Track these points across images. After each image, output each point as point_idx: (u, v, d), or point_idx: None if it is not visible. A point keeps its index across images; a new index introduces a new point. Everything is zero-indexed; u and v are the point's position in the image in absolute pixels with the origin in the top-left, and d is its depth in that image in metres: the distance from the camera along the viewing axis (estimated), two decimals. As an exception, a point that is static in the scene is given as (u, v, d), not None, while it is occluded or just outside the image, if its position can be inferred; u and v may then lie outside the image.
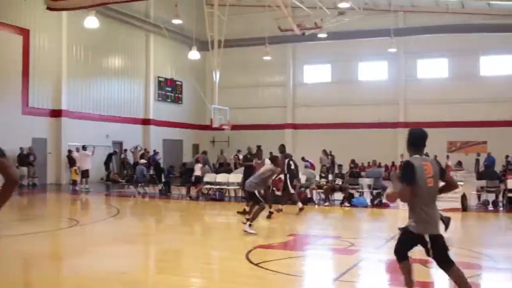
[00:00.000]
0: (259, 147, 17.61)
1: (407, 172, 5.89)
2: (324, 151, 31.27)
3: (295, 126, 40.72)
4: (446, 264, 5.91)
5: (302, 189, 19.39)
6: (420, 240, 5.93)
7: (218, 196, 20.40)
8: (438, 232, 5.98)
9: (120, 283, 7.85)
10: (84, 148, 26.41)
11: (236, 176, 20.89)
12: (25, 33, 27.85)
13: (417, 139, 6.15)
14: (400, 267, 6.23)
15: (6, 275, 8.18)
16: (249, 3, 37.89)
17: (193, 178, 20.98)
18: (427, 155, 7.82)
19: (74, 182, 25.79)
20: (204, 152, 24.77)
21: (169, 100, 38.82)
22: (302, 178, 19.79)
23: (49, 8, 24.08)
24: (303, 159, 25.89)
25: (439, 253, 5.92)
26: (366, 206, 18.10)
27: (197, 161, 22.04)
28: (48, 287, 7.61)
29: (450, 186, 6.36)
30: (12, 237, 11.59)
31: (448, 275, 5.94)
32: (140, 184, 23.45)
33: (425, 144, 6.17)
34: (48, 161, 29.26)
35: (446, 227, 10.58)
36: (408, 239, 6.10)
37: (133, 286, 7.76)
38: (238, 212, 15.24)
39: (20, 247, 10.67)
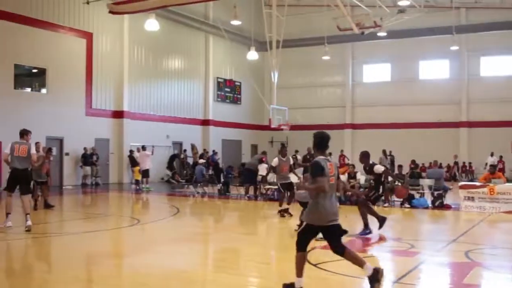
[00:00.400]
0: (283, 145, 17.58)
1: (318, 169, 6.70)
2: (384, 152, 30.84)
3: (354, 126, 40.33)
4: (338, 249, 6.95)
5: (361, 190, 19.17)
6: (319, 229, 6.84)
7: (277, 196, 20.37)
8: (336, 222, 6.87)
9: (179, 281, 7.95)
10: (144, 148, 26.90)
11: (294, 176, 20.82)
12: (88, 36, 28.65)
13: (322, 142, 7.07)
14: (296, 257, 6.96)
15: (70, 272, 8.41)
16: (308, 3, 37.76)
17: (259, 177, 21.06)
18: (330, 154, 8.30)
19: (137, 182, 26.31)
20: (263, 153, 24.81)
21: (228, 100, 39.11)
22: (361, 179, 19.58)
23: (111, 12, 24.69)
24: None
25: (333, 240, 6.91)
26: (427, 208, 17.76)
27: (261, 162, 22.09)
28: (109, 284, 7.77)
29: (339, 186, 7.31)
30: (76, 235, 11.93)
31: (344, 258, 6.93)
32: (199, 184, 23.70)
33: (328, 146, 7.12)
34: (110, 161, 29.98)
35: (380, 226, 11.96)
36: (308, 231, 6.94)
37: (191, 284, 7.84)
38: (279, 212, 15.14)
39: (83, 244, 10.96)
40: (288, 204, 15.30)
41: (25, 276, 8.10)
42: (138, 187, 25.74)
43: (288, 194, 15.40)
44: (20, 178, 12.45)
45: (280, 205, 15.30)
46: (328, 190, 6.75)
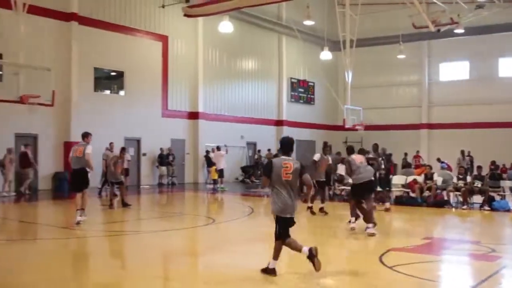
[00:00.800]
0: (325, 143, 17.42)
1: (266, 168, 8.07)
2: (462, 152, 29.97)
3: (430, 126, 39.30)
4: (283, 237, 7.97)
5: (439, 191, 18.73)
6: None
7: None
8: (292, 216, 7.99)
9: (253, 281, 7.99)
10: (218, 148, 27.24)
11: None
12: (164, 39, 29.29)
13: (285, 145, 8.16)
14: (276, 244, 8.07)
15: (147, 269, 8.61)
16: (382, 1, 37.18)
17: (337, 176, 20.94)
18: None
19: (214, 181, 26.62)
20: (338, 153, 24.61)
21: (301, 101, 39.05)
22: (438, 180, 19.10)
23: (186, 15, 25.14)
24: (438, 160, 25.02)
25: (283, 229, 7.97)
26: (508, 210, 17.08)
27: (341, 162, 21.92)
28: (185, 281, 7.90)
29: (305, 183, 8.25)
30: (152, 233, 12.19)
31: (285, 245, 7.94)
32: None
33: (293, 148, 8.25)
34: (186, 161, 30.53)
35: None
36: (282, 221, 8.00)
37: (266, 284, 7.86)
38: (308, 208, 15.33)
39: (159, 243, 11.19)
40: (322, 202, 15.64)
41: (103, 272, 8.35)
42: (214, 187, 26.06)
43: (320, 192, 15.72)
44: (75, 177, 13.36)
45: (312, 202, 15.40)
46: (282, 186, 7.90)
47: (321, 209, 15.60)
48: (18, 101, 16.56)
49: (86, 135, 13.85)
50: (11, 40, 17.07)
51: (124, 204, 16.90)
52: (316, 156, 15.98)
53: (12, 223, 14.68)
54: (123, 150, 18.92)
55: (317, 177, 15.47)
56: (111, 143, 21.98)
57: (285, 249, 8.03)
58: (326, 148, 16.37)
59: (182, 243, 11.66)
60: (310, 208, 15.41)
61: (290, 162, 7.96)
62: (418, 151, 33.48)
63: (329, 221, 16.13)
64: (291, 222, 8.02)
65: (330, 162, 16.86)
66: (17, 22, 17.10)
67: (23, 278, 8.04)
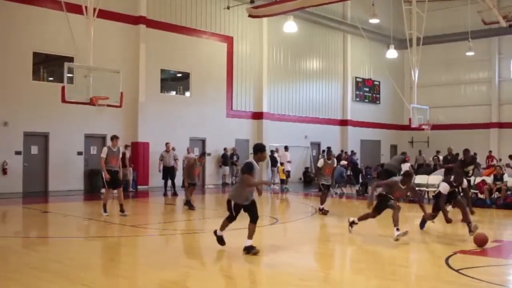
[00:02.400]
0: (329, 148, 17.99)
1: (249, 168, 9.81)
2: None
3: (501, 125, 38.08)
4: (252, 219, 9.84)
5: (509, 192, 18.15)
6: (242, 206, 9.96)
7: (417, 197, 19.76)
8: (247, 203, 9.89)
9: (316, 281, 7.99)
10: (286, 148, 27.34)
11: (435, 178, 20.16)
12: (229, 40, 29.58)
13: (257, 149, 9.98)
14: (224, 221, 10.25)
15: (212, 266, 8.74)
16: (450, -3, 36.36)
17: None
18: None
19: (282, 181, 26.56)
20: (403, 153, 24.24)
21: (366, 100, 38.63)
22: (509, 181, 18.52)
23: (250, 16, 25.34)
24: (511, 157, 24.34)
25: (250, 213, 9.90)
26: None
27: (404, 161, 21.63)
28: (249, 280, 7.97)
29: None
30: (209, 233, 12.30)
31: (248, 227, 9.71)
32: (337, 185, 23.60)
33: (263, 154, 10.07)
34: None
35: None
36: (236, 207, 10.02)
37: (328, 285, 7.85)
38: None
39: (225, 241, 11.29)
40: (322, 203, 16.04)
41: (170, 270, 8.51)
42: (282, 187, 26.01)
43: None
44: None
45: (322, 203, 15.99)
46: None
47: (321, 210, 16.05)
48: (88, 103, 17.06)
49: (111, 139, 15.05)
50: (82, 44, 17.63)
51: (190, 205, 17.03)
52: (320, 162, 16.59)
53: (77, 220, 15.15)
54: (203, 154, 19.44)
55: (322, 180, 16.26)
56: (167, 144, 22.60)
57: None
58: (330, 153, 16.97)
59: (240, 242, 11.74)
60: (321, 209, 16.01)
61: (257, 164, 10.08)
62: (490, 152, 32.54)
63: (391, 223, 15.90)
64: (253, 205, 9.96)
65: (335, 165, 17.47)
66: (87, 26, 17.66)
67: (97, 272, 8.31)
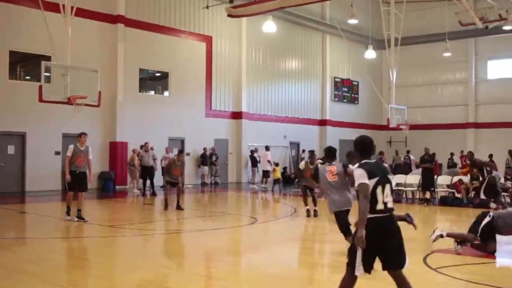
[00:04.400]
0: (312, 152, 17.55)
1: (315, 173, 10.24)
2: (510, 152, 29.25)
3: (477, 125, 38.49)
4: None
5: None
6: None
7: (395, 197, 19.94)
8: (341, 209, 9.39)
9: (297, 280, 8.00)
10: (267, 148, 27.40)
11: (413, 178, 20.35)
12: (208, 40, 29.53)
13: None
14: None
15: (190, 267, 8.72)
16: (427, -1, 36.69)
17: None
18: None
19: (277, 180, 26.14)
20: (381, 153, 24.40)
21: (345, 100, 38.83)
22: (485, 180, 18.73)
23: (229, 16, 25.33)
24: (490, 157, 24.67)
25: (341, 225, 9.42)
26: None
27: (380, 161, 21.73)
28: (228, 280, 7.96)
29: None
30: (196, 232, 12.30)
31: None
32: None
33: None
34: (229, 161, 30.71)
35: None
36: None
37: (310, 284, 7.87)
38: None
39: (203, 241, 11.29)
40: (315, 205, 15.54)
41: (147, 270, 8.47)
42: (276, 186, 25.72)
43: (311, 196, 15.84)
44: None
45: (306, 205, 15.64)
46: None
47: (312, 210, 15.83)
48: (66, 102, 16.91)
49: (78, 136, 13.94)
50: (60, 42, 17.46)
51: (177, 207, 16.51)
52: (301, 164, 16.67)
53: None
54: (181, 152, 17.99)
55: (304, 182, 16.06)
56: (146, 143, 22.43)
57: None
58: (313, 157, 16.67)
59: (224, 242, 11.75)
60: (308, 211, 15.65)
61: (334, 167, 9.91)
62: (462, 151, 32.87)
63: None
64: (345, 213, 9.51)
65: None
66: (65, 25, 17.50)
67: (74, 273, 8.24)
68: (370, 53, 33.07)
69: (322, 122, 36.83)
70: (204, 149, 28.37)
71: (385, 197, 5.61)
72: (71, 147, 13.54)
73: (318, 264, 9.75)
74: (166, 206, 16.38)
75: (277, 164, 26.86)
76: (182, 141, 28.21)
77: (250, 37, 31.53)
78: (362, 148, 5.92)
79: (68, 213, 13.55)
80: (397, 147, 36.48)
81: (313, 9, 34.50)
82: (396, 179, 20.59)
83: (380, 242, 5.55)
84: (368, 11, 33.13)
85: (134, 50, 25.97)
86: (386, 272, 5.75)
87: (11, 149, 22.48)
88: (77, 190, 13.57)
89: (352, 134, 37.91)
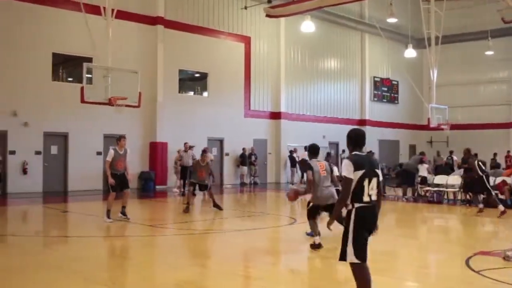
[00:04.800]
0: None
1: (308, 166, 10.30)
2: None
3: (522, 125, 37.65)
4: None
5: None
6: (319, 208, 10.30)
7: (436, 198, 19.66)
8: (328, 203, 10.09)
9: (334, 280, 7.96)
10: (306, 149, 27.26)
11: (454, 178, 20.01)
12: (246, 40, 29.61)
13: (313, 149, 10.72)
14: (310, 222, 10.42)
15: (228, 266, 8.74)
16: (469, -4, 36.06)
17: (418, 179, 20.52)
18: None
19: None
20: (422, 153, 24.05)
21: (384, 100, 38.45)
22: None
23: (268, 16, 25.32)
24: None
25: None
26: None
27: (422, 162, 21.43)
28: (266, 279, 7.95)
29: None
30: (235, 232, 12.33)
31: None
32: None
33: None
34: (268, 161, 30.72)
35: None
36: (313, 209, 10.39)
37: (346, 284, 7.80)
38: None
39: (242, 241, 11.31)
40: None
41: (186, 270, 8.53)
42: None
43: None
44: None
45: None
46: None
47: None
48: (107, 103, 17.16)
49: (117, 139, 13.89)
50: (101, 44, 17.75)
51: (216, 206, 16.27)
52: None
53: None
54: (204, 152, 17.53)
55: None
56: (185, 143, 22.49)
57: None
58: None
59: (263, 242, 11.74)
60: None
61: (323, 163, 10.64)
62: (509, 151, 32.21)
63: (412, 222, 15.84)
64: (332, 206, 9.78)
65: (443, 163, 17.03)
66: (106, 27, 17.78)
67: (114, 272, 8.35)
68: (410, 52, 32.65)
69: (362, 122, 36.53)
70: (243, 149, 28.44)
71: (370, 190, 5.80)
72: (111, 152, 13.49)
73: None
74: (187, 209, 15.79)
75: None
76: (221, 141, 28.34)
77: (288, 37, 31.50)
78: (355, 141, 6.14)
79: (108, 216, 13.53)
80: (438, 147, 35.99)
81: (352, 8, 34.27)
82: (437, 179, 20.28)
83: (364, 229, 5.79)
84: (407, 9, 32.71)
85: (174, 51, 26.20)
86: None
87: (54, 149, 22.94)
88: (120, 190, 13.70)
89: (392, 134, 37.88)
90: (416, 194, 20.70)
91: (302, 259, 9.65)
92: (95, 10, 18.21)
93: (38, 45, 22.15)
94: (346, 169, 5.80)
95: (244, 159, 28.28)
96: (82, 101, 16.77)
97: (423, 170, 20.60)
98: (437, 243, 11.77)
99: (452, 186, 19.89)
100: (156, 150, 25.27)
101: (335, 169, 10.93)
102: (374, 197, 5.88)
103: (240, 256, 9.98)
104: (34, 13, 22.04)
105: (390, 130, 38.31)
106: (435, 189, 19.93)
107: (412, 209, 18.56)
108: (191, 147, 22.75)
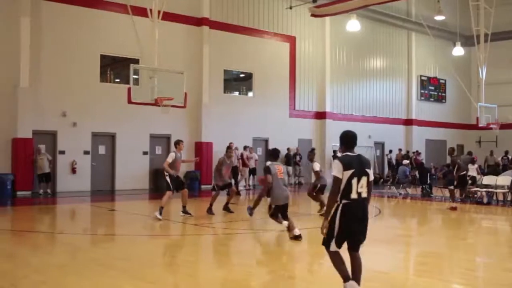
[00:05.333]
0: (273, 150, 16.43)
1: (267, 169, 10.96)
2: None
3: None
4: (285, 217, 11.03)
5: None
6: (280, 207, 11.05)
7: (485, 199, 19.26)
8: (285, 202, 11.12)
9: (380, 283, 7.88)
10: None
11: (504, 179, 19.56)
12: (291, 40, 29.60)
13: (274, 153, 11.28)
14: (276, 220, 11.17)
15: (273, 266, 8.75)
16: (520, -8, 35.16)
17: (468, 179, 20.15)
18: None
19: None
20: (469, 153, 23.62)
21: (432, 99, 37.85)
22: None
23: (313, 15, 25.28)
24: None
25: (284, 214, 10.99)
26: None
27: (473, 162, 21.03)
28: (310, 280, 7.93)
29: None
30: (279, 232, 12.33)
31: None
32: (401, 185, 23.22)
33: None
34: (313, 161, 30.60)
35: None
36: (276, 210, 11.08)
37: (392, 286, 7.72)
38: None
39: (286, 241, 11.31)
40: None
41: (231, 268, 8.58)
42: None
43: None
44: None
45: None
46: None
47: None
48: (153, 104, 17.40)
49: (176, 143, 14.61)
50: (147, 45, 18.01)
51: (227, 209, 15.79)
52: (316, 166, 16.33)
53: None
54: (229, 148, 17.18)
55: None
56: (230, 144, 22.36)
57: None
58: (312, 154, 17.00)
59: (308, 243, 11.71)
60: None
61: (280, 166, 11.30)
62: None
63: (459, 224, 15.56)
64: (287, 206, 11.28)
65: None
66: (152, 28, 18.04)
67: (160, 270, 8.47)
68: (458, 50, 32.10)
69: (408, 122, 36.05)
70: (288, 149, 28.42)
71: (359, 187, 6.25)
72: (173, 154, 14.19)
73: (402, 267, 9.54)
74: (210, 209, 15.44)
75: None
76: (266, 141, 28.39)
77: (333, 36, 31.33)
78: (346, 142, 6.60)
79: (160, 213, 13.83)
80: (487, 147, 35.24)
81: (398, 6, 33.84)
82: (486, 180, 19.87)
83: (349, 225, 6.28)
84: (455, 6, 32.16)
85: (219, 51, 26.38)
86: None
87: (102, 149, 23.39)
88: (177, 191, 14.30)
89: (440, 134, 37.27)
90: (464, 195, 20.31)
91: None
92: (141, 12, 18.50)
93: (86, 47, 22.62)
94: (336, 169, 6.26)
95: (289, 159, 28.26)
96: (129, 101, 17.04)
97: (473, 171, 20.21)
98: (486, 245, 11.53)
99: (502, 186, 19.45)
100: (202, 150, 25.47)
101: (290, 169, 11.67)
102: (364, 194, 6.33)
103: (284, 256, 9.99)
104: (82, 15, 22.51)
105: (437, 129, 37.69)
106: (484, 189, 19.52)
107: (460, 210, 18.22)
108: (236, 148, 22.85)
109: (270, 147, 28.05)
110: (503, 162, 24.03)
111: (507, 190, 19.30)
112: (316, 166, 15.50)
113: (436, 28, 33.78)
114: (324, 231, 6.35)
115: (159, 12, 18.16)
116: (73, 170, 22.38)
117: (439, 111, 38.31)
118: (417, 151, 32.97)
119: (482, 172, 23.61)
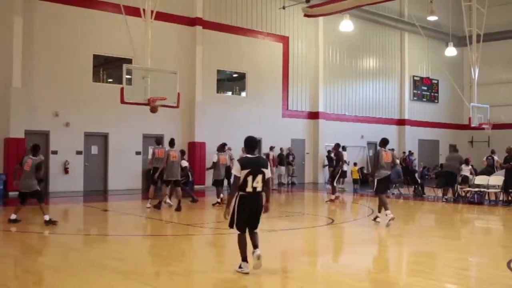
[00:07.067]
0: (222, 145, 18.45)
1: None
2: None
3: None
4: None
5: None
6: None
7: (477, 199, 19.35)
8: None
9: (373, 283, 7.90)
10: (344, 148, 27.15)
11: (496, 179, 19.63)
12: (284, 40, 29.63)
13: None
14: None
15: (266, 266, 8.75)
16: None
17: (459, 179, 20.21)
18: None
19: (355, 181, 26.49)
20: (455, 150, 23.65)
21: (424, 99, 37.97)
22: None
23: (306, 15, 25.31)
24: None
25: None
26: None
27: (467, 162, 21.07)
28: (304, 280, 7.94)
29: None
30: (273, 232, 12.35)
31: None
32: (394, 185, 23.25)
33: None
34: (306, 161, 30.66)
35: None
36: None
37: (385, 286, 7.75)
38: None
39: (279, 241, 11.33)
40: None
41: (224, 268, 8.59)
42: (355, 187, 25.85)
43: None
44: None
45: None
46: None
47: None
48: (146, 104, 17.37)
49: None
50: (140, 45, 17.97)
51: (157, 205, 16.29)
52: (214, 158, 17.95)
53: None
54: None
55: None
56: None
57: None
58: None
59: (301, 242, 11.74)
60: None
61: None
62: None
63: (452, 224, 15.62)
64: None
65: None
66: (145, 28, 18.01)
67: (153, 270, 8.47)
68: (451, 51, 32.20)
69: (401, 122, 36.16)
70: (281, 149, 28.45)
71: (254, 183, 7.76)
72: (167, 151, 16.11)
73: (395, 267, 9.57)
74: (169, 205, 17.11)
75: (355, 164, 26.69)
76: (259, 141, 28.40)
77: (326, 36, 31.37)
78: (248, 147, 8.08)
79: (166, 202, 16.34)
80: (479, 147, 35.39)
81: (391, 6, 33.93)
82: (477, 180, 19.94)
83: (246, 211, 7.84)
84: (448, 7, 32.25)
85: (212, 51, 26.37)
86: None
87: (94, 149, 23.34)
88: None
89: (433, 134, 37.38)
90: (456, 194, 20.37)
91: (340, 259, 9.59)
92: (134, 11, 18.44)
93: (79, 46, 22.57)
94: (235, 169, 7.79)
95: (282, 159, 28.28)
96: (122, 101, 17.00)
97: (466, 170, 20.27)
98: (478, 244, 11.58)
99: (493, 186, 19.53)
100: (195, 150, 25.45)
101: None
102: (259, 189, 7.83)
103: (278, 256, 10.00)
104: (75, 15, 22.46)
105: (429, 129, 37.82)
106: (476, 189, 19.59)
107: (452, 210, 18.28)
108: (229, 148, 22.81)
109: (264, 147, 28.20)
110: (488, 163, 24.00)
111: (498, 190, 19.38)
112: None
113: (428, 29, 33.91)
114: (227, 216, 7.90)
115: (152, 12, 18.12)
116: (66, 170, 22.32)
117: (432, 111, 38.44)
118: (409, 151, 33.07)
119: (476, 172, 23.66)
